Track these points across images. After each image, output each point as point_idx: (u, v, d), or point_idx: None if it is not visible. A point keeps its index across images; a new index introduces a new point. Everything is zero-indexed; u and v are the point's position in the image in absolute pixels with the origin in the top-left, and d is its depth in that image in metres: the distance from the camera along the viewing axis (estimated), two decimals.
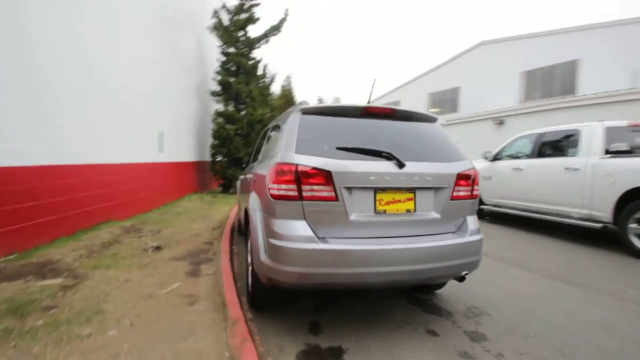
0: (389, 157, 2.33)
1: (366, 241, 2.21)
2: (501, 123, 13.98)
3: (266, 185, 2.37)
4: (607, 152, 4.99)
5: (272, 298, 2.68)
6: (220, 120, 9.91)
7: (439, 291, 3.29)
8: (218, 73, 10.28)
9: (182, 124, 9.01)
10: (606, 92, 10.23)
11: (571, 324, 2.65)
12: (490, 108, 15.19)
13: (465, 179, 2.55)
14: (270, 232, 2.29)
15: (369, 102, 2.78)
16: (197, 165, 10.06)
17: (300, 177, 2.19)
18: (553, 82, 15.60)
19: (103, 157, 5.37)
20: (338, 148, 2.30)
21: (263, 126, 11.40)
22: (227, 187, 10.69)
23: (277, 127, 3.08)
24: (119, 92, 5.80)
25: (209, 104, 10.85)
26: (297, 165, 2.21)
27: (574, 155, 5.37)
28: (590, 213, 5.02)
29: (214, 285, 3.20)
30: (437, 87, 21.09)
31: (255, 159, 4.11)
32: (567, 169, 5.37)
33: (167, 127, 7.86)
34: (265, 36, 10.84)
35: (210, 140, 10.41)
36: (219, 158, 10.31)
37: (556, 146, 5.86)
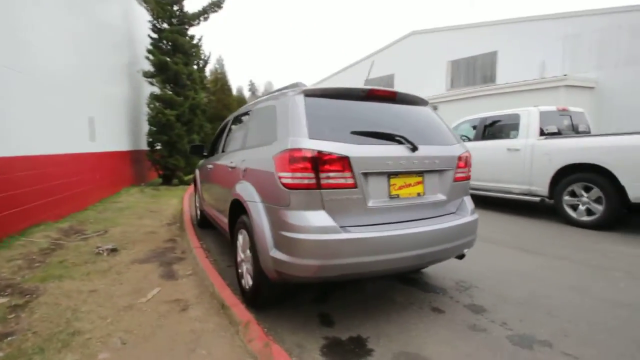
0: (401, 141, 2.29)
1: (385, 227, 2.17)
2: (435, 108, 14.96)
3: (274, 174, 2.17)
4: (542, 133, 5.64)
5: (278, 294, 2.51)
6: (158, 104, 8.93)
7: (424, 270, 3.43)
8: (150, 52, 9.19)
9: (112, 108, 7.92)
10: (525, 80, 11.59)
11: (546, 289, 2.96)
12: (422, 95, 16.18)
13: (463, 160, 2.63)
14: (282, 225, 2.11)
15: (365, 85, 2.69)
16: (133, 155, 9.01)
17: (318, 164, 2.04)
18: (476, 71, 17.16)
19: (25, 148, 4.46)
20: (353, 132, 2.19)
21: (202, 112, 10.64)
22: (169, 178, 9.80)
23: (261, 112, 2.82)
24: (34, 70, 4.84)
25: (141, 86, 9.69)
26: (313, 151, 2.04)
27: (514, 137, 5.97)
28: (530, 188, 5.67)
29: (199, 286, 2.90)
30: (373, 73, 21.77)
31: (224, 149, 3.77)
32: (509, 149, 5.95)
33: (97, 112, 6.84)
34: (204, 12, 9.95)
35: (145, 127, 9.36)
36: (158, 146, 9.35)
37: (498, 129, 6.45)
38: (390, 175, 2.26)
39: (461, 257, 2.68)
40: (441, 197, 2.48)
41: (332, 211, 2.07)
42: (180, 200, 7.47)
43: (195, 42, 10.17)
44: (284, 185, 2.08)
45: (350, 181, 2.10)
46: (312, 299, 2.78)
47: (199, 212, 5.27)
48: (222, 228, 3.51)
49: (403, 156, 2.27)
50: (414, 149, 2.29)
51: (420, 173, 2.38)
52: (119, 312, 2.41)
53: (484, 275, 3.28)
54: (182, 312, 2.43)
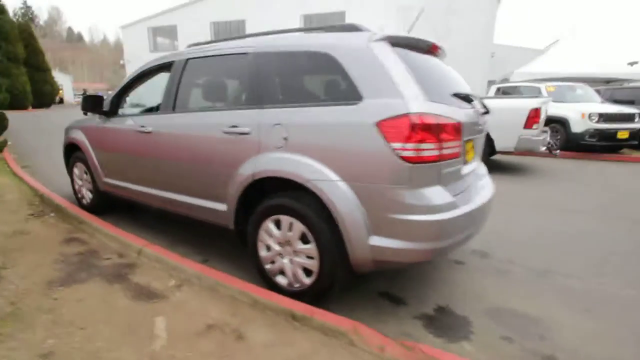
0: (475, 104, 2.20)
1: (470, 196, 2.10)
2: None
3: (381, 145, 1.71)
4: None
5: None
6: None
7: None
8: None
9: None
10: None
11: (501, 226, 3.61)
12: None
13: None
14: (395, 206, 1.74)
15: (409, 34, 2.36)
16: None
17: (441, 131, 1.74)
18: None
19: None
20: (454, 95, 1.95)
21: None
22: None
23: (289, 59, 2.10)
24: None
25: None
26: (437, 116, 1.72)
27: None
28: None
29: (218, 298, 2.13)
30: (220, 16, 19.57)
31: (175, 105, 2.68)
32: None
33: None
34: None
35: None
36: None
37: None
38: (466, 141, 2.17)
39: None
40: (479, 160, 2.59)
41: (444, 185, 1.85)
42: (15, 177, 5.05)
43: None
44: (404, 158, 1.69)
45: (458, 150, 1.91)
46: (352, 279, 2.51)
47: (88, 194, 3.72)
48: (196, 215, 2.62)
49: (478, 120, 2.20)
50: (486, 112, 2.25)
51: (472, 138, 2.38)
52: None
53: None
54: (242, 342, 1.75)
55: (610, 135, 7.24)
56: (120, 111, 3.33)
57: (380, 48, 1.84)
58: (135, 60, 22.95)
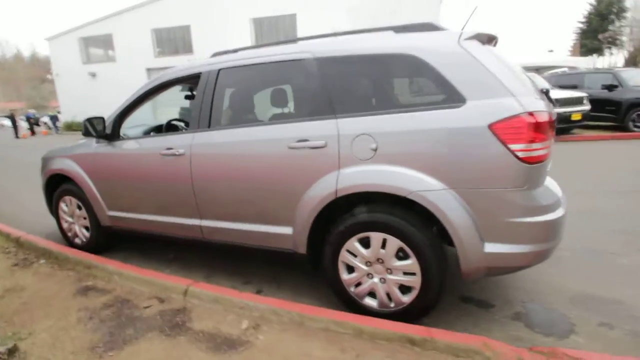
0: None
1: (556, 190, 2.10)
2: None
3: (496, 147, 1.63)
4: None
5: None
6: None
7: None
8: None
9: None
10: None
11: None
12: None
13: None
14: (516, 210, 1.68)
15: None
16: None
17: (549, 128, 1.70)
18: (278, 31, 17.65)
19: None
20: (542, 90, 1.92)
21: None
22: None
23: (365, 63, 1.94)
24: None
25: None
26: (547, 113, 1.68)
27: None
28: None
29: (305, 336, 1.90)
30: (162, 22, 18.32)
31: (210, 122, 2.35)
32: None
33: None
34: None
35: None
36: None
37: None
38: None
39: None
40: None
41: (546, 183, 1.83)
42: None
43: None
44: (523, 159, 1.62)
45: (554, 146, 1.89)
46: None
47: (83, 231, 3.19)
48: (247, 243, 2.34)
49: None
50: (554, 105, 2.28)
51: None
52: None
53: None
54: None
55: (566, 118, 7.97)
56: (122, 133, 2.90)
57: (473, 47, 1.76)
58: (66, 73, 20.71)
